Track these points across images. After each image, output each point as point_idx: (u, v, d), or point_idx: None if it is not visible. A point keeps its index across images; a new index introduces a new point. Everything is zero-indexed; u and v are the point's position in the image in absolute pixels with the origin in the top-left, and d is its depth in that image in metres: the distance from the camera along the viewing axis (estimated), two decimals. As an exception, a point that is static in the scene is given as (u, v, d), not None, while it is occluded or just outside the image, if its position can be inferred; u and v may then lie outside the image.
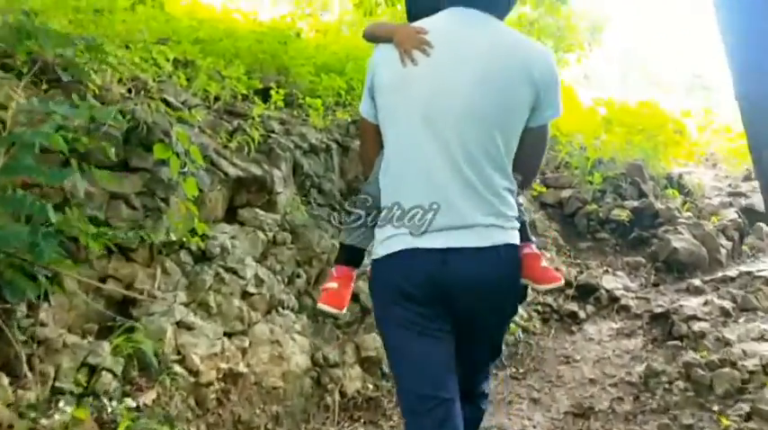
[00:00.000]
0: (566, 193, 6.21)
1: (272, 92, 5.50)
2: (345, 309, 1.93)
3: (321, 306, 1.92)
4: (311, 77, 6.46)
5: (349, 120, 5.90)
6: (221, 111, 5.02)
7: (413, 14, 1.87)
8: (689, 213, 6.05)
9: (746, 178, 7.19)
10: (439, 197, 1.58)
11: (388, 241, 1.66)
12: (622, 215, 5.95)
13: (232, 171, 4.25)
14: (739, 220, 6.03)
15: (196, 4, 8.60)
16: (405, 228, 1.61)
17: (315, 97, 6.13)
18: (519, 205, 1.74)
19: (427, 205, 1.58)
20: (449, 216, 1.58)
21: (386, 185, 1.71)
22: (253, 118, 4.88)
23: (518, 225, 1.69)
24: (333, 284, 1.92)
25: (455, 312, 1.65)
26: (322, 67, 6.92)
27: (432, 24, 1.66)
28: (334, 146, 5.26)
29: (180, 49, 5.60)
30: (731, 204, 6.43)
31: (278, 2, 14.58)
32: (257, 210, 4.33)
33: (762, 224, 6.11)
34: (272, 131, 4.87)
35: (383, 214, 1.70)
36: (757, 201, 6.51)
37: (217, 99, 5.18)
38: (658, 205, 6.08)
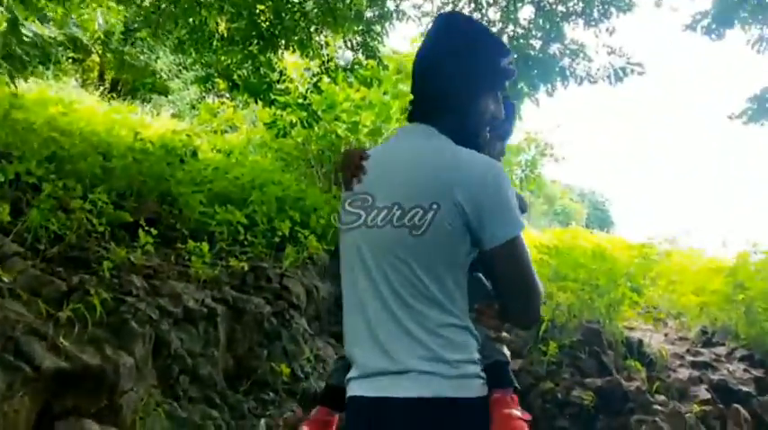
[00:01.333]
0: (514, 366, 5.05)
1: (143, 230, 4.09)
2: None
3: None
4: (202, 209, 5.15)
5: (246, 268, 4.54)
6: (57, 259, 3.54)
7: None
8: (662, 396, 5.02)
9: (706, 343, 6.38)
10: (374, 339, 1.42)
11: (347, 386, 1.48)
12: (585, 398, 4.78)
13: (49, 362, 2.77)
14: (720, 406, 5.03)
15: (70, 104, 7.23)
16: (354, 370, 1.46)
17: (202, 237, 4.78)
18: (490, 344, 1.58)
19: (367, 348, 1.43)
20: (384, 359, 1.39)
21: (345, 321, 1.53)
22: (102, 271, 3.43)
23: (475, 370, 1.40)
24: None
25: None
26: (219, 196, 5.64)
27: (382, 146, 1.64)
28: (220, 308, 3.86)
29: (22, 167, 4.17)
30: (701, 379, 5.49)
31: (178, 112, 13.54)
32: (88, 421, 2.83)
33: (738, 406, 5.13)
34: (129, 293, 3.42)
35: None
36: (727, 375, 5.62)
37: (59, 239, 3.72)
38: (625, 384, 5.00)
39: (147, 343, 3.24)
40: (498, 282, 1.45)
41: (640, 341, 5.87)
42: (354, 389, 1.44)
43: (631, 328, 6.49)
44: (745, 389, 5.35)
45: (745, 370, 5.65)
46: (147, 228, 4.18)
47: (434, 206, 1.38)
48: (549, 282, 5.76)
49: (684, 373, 5.66)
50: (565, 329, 5.57)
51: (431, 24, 1.64)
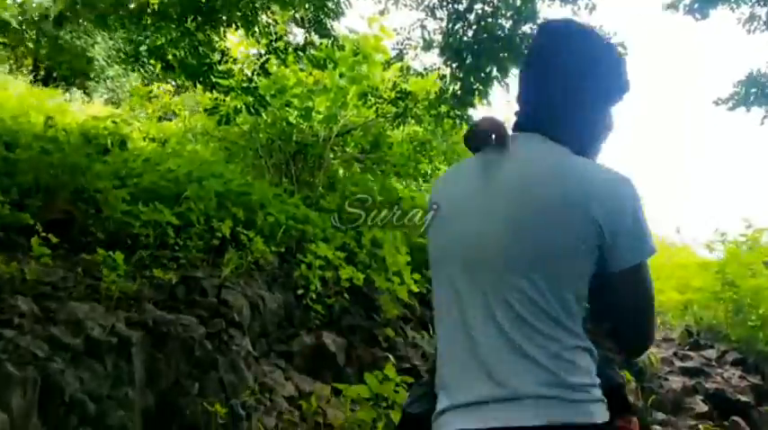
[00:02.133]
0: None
1: (38, 236, 3.27)
2: None
3: None
4: (126, 207, 4.33)
5: (175, 280, 3.76)
6: None
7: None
8: (660, 413, 4.47)
9: (694, 345, 5.89)
10: (480, 362, 1.27)
11: (439, 418, 1.32)
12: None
13: None
14: (718, 420, 4.52)
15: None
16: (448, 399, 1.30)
17: (124, 242, 3.96)
18: (607, 367, 1.37)
19: (471, 373, 1.28)
20: (489, 385, 1.25)
21: (440, 346, 1.40)
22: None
23: (597, 396, 1.26)
24: None
25: None
26: (147, 192, 4.82)
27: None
28: (137, 335, 3.08)
29: None
30: (695, 389, 4.97)
31: (117, 100, 12.42)
32: None
33: (737, 419, 4.63)
34: (8, 323, 2.63)
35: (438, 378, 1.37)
36: (722, 383, 5.12)
37: None
38: (618, 399, 4.45)
39: (30, 390, 2.45)
40: (619, 305, 1.36)
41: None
42: (451, 423, 1.29)
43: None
44: (743, 398, 4.86)
45: (740, 376, 5.17)
46: (46, 234, 3.36)
47: (566, 220, 1.28)
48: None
49: (677, 382, 5.15)
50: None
51: (545, 31, 1.52)
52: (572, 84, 1.40)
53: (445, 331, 1.37)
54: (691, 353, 5.77)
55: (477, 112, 7.40)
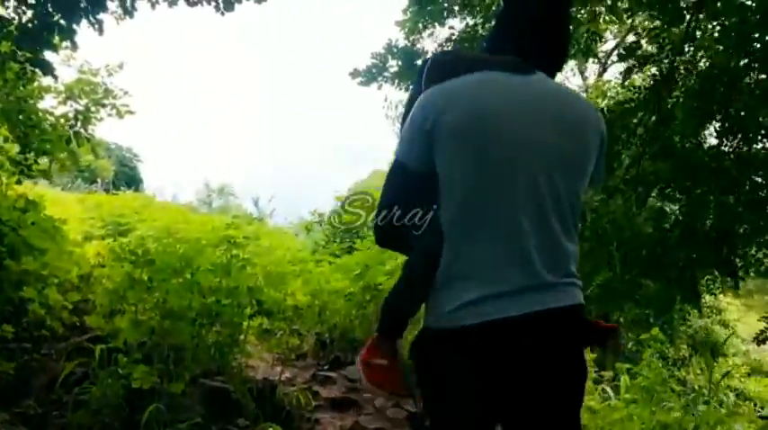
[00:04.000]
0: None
1: None
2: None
3: (369, 384, 1.60)
4: None
5: None
6: None
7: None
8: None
9: (334, 363, 4.79)
10: (525, 255, 1.41)
11: (473, 307, 1.38)
12: None
13: None
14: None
15: None
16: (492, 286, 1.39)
17: None
18: None
19: (516, 264, 1.40)
20: (532, 273, 1.41)
21: (457, 234, 1.44)
22: None
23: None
24: (382, 361, 1.57)
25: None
26: None
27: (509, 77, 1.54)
28: None
29: None
30: (354, 432, 3.83)
31: None
32: None
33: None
34: None
35: (456, 268, 1.43)
36: (378, 416, 4.12)
37: None
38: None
39: None
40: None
41: (272, 387, 3.82)
42: (491, 312, 1.37)
43: (252, 367, 4.41)
44: (406, 437, 3.93)
45: (395, 406, 4.25)
46: None
47: (591, 138, 1.55)
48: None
49: (331, 424, 3.92)
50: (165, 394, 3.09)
51: None
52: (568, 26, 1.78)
53: (487, 226, 1.41)
54: (332, 375, 4.66)
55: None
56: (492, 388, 1.36)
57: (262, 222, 9.97)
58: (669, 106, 4.78)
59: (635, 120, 5.00)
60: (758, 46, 4.62)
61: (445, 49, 6.36)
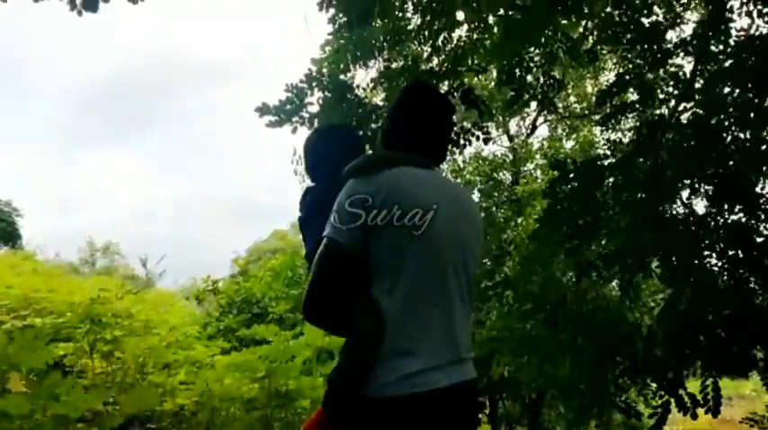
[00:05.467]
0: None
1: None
2: None
3: None
4: None
5: None
6: None
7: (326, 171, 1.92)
8: None
9: None
10: (453, 330, 1.65)
11: (413, 378, 1.55)
12: None
13: None
14: None
15: None
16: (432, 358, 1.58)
17: None
18: None
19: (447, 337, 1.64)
20: (457, 349, 1.65)
21: (402, 316, 1.60)
22: None
23: None
24: None
25: None
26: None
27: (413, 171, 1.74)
28: None
29: None
30: None
31: None
32: None
33: None
34: None
35: (399, 343, 1.57)
36: None
37: None
38: None
39: None
40: None
41: None
42: (430, 383, 1.54)
43: None
44: None
45: None
46: None
47: (479, 223, 1.92)
48: None
49: None
50: None
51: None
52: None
53: (424, 306, 1.61)
54: None
55: None
56: None
57: (146, 287, 8.52)
58: (659, 161, 3.87)
59: (611, 180, 4.11)
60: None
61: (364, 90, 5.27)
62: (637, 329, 4.14)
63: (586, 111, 10.58)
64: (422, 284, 1.60)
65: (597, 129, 8.23)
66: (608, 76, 8.60)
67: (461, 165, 11.02)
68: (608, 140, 4.26)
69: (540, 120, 12.00)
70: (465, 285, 1.70)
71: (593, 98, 6.74)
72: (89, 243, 34.22)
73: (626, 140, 4.31)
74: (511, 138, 12.17)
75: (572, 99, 11.13)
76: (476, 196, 10.44)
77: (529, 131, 12.31)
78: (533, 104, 6.52)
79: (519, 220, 9.03)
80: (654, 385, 4.01)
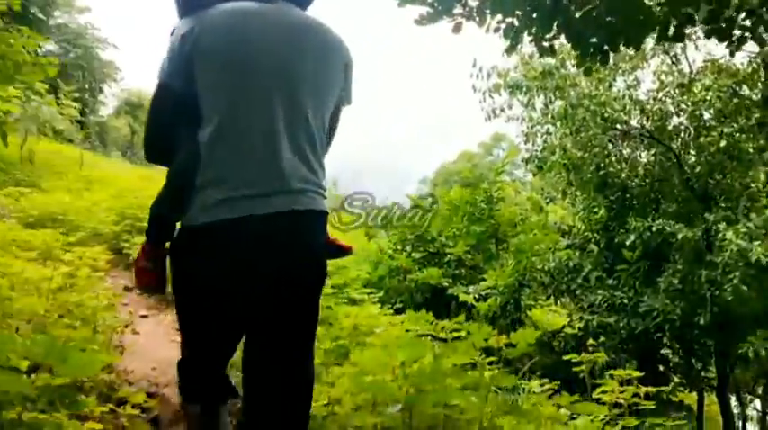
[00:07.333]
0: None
1: None
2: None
3: (138, 286, 1.91)
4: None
5: None
6: None
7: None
8: None
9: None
10: (277, 160, 1.63)
11: (224, 204, 1.59)
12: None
13: None
14: None
15: None
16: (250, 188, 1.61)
17: None
18: None
19: (270, 168, 1.63)
20: (280, 180, 1.63)
21: (214, 146, 1.62)
22: None
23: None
24: (147, 264, 1.78)
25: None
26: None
27: (246, 6, 1.71)
28: None
29: None
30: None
31: None
32: None
33: None
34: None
35: (210, 174, 1.62)
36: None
37: None
38: None
39: None
40: (331, 132, 1.86)
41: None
42: (244, 209, 1.58)
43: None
44: None
45: None
46: None
47: (330, 62, 1.75)
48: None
49: None
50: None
51: None
52: None
53: (238, 136, 1.60)
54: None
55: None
56: (234, 278, 1.58)
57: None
58: None
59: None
60: None
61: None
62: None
63: None
64: (236, 115, 1.60)
65: None
66: None
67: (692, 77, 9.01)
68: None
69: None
70: (301, 118, 1.65)
71: None
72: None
73: None
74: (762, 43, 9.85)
75: None
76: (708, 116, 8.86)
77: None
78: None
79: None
80: None
